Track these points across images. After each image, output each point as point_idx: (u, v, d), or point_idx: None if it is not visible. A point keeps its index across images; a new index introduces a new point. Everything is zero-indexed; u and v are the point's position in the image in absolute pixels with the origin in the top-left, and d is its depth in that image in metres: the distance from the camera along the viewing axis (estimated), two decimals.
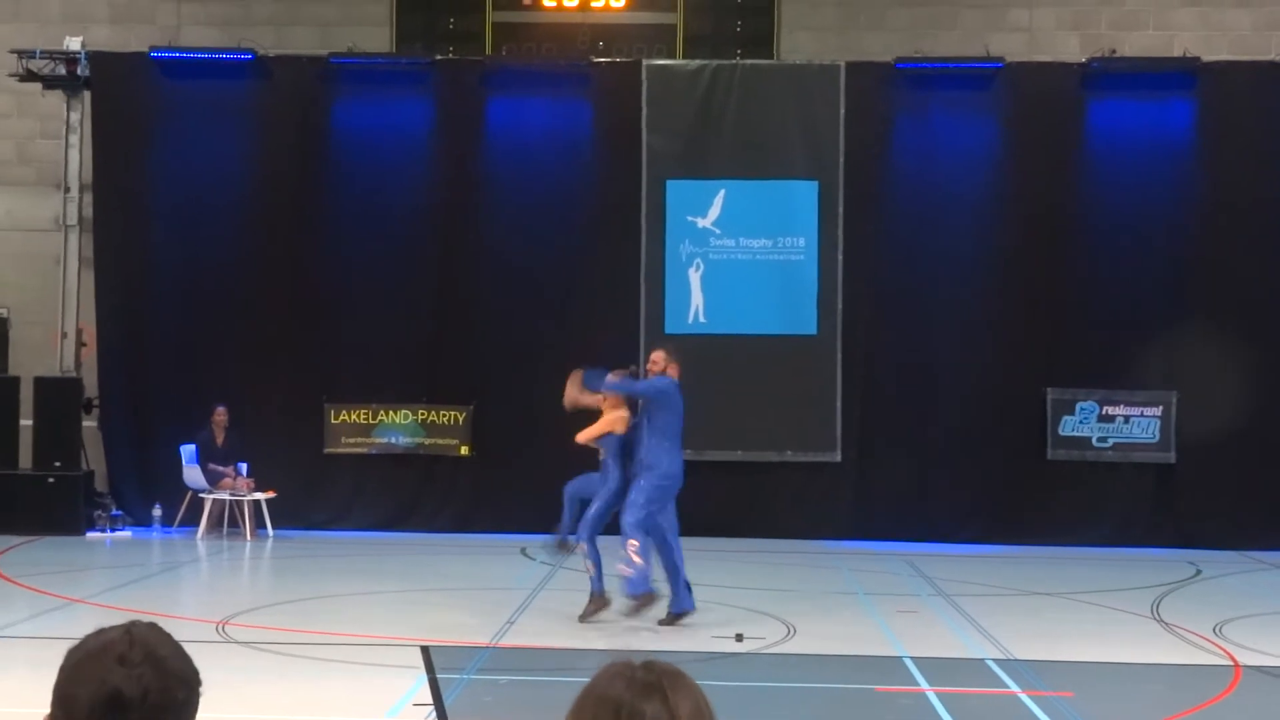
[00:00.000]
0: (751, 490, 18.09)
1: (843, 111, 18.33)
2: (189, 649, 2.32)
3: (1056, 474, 18.16)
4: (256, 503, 17.68)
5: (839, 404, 18.26)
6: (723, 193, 18.48)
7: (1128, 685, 10.32)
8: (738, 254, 18.47)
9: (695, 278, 18.48)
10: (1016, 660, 10.73)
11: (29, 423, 18.04)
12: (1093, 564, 16.53)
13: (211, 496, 17.72)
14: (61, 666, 2.24)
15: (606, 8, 19.81)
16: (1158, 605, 13.58)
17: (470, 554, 16.60)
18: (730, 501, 17.71)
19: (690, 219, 18.49)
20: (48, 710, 2.23)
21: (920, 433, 18.18)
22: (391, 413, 18.50)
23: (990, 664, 10.64)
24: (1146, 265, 18.10)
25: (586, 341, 18.02)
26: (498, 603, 13.00)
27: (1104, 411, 18.13)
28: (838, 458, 18.28)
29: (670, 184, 18.50)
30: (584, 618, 12.09)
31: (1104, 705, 9.34)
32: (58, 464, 17.78)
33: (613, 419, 12.33)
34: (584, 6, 19.75)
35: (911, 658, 10.76)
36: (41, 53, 18.69)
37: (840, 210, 18.33)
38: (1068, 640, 11.78)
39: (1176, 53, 18.70)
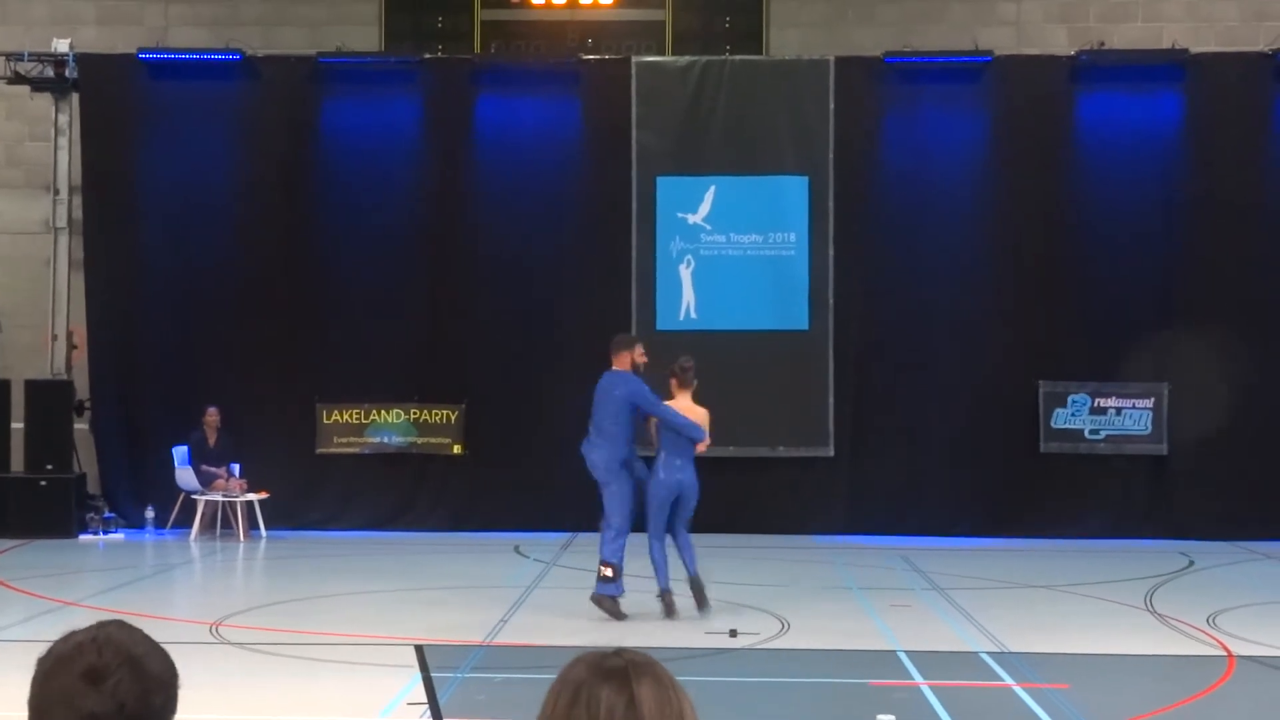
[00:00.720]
0: (744, 486, 18.09)
1: (832, 106, 18.34)
2: (183, 651, 2.31)
3: (1049, 467, 18.18)
4: (249, 503, 17.66)
5: (831, 399, 18.28)
6: (713, 189, 18.48)
7: (1122, 676, 10.33)
8: (728, 250, 18.47)
9: (686, 274, 18.48)
10: (1011, 653, 10.74)
11: (20, 425, 18.02)
12: (1086, 556, 16.55)
13: (204, 498, 17.70)
14: (34, 677, 2.20)
15: (595, 5, 19.79)
16: (1151, 596, 13.60)
17: (463, 552, 16.59)
18: (723, 497, 17.65)
19: (681, 215, 18.49)
20: None
21: (912, 426, 18.20)
22: (384, 412, 18.49)
23: (984, 657, 10.65)
24: (1136, 257, 18.12)
25: (578, 337, 18.03)
26: (491, 601, 12.99)
27: (1096, 404, 18.15)
28: (830, 452, 18.30)
29: (660, 180, 18.50)
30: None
31: (1098, 697, 9.35)
32: (49, 467, 17.76)
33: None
34: (572, 4, 19.73)
35: (906, 651, 10.77)
36: (29, 55, 18.66)
37: (831, 205, 18.34)
38: (1062, 632, 11.79)
39: (1165, 44, 18.72)
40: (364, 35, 19.59)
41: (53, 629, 2.28)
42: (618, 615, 12.11)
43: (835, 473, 18.35)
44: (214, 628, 11.66)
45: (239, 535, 17.54)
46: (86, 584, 14.41)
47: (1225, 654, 10.78)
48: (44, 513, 17.52)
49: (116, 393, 18.64)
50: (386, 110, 18.86)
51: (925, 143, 18.48)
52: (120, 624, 2.28)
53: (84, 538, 17.60)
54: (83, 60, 18.64)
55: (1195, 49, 18.40)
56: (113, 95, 18.79)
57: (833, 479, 18.36)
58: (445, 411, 18.46)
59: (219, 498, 17.76)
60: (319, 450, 18.46)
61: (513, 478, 18.17)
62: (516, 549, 16.71)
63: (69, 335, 18.83)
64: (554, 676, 2.27)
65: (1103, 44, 18.62)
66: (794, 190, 18.43)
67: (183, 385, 18.35)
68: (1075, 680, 9.77)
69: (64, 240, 19.00)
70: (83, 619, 2.30)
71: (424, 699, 9.08)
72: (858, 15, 19.59)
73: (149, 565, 16.21)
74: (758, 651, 10.99)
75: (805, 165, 18.42)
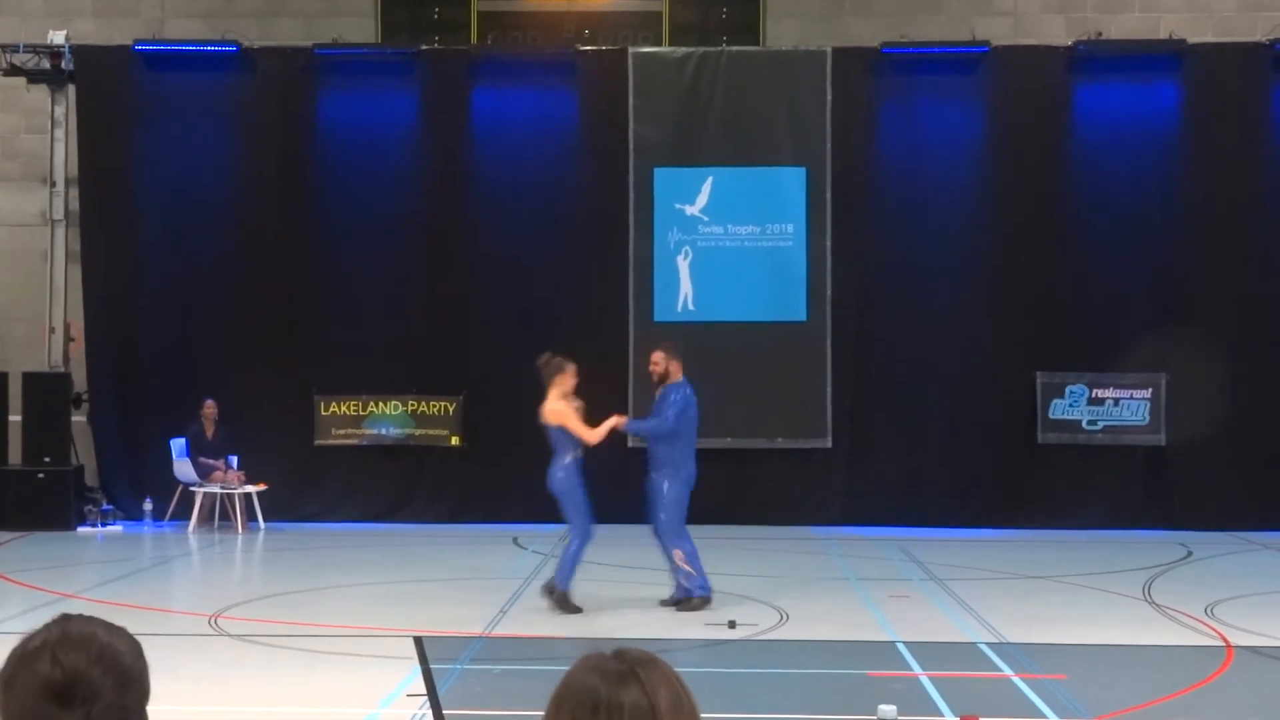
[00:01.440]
0: (742, 477, 18.09)
1: (829, 98, 18.32)
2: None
3: (1047, 457, 18.19)
4: (247, 496, 17.66)
5: (829, 390, 18.27)
6: (710, 180, 18.47)
7: (1120, 667, 10.34)
8: (726, 241, 18.46)
9: (684, 265, 18.47)
10: (1009, 643, 10.75)
11: (18, 418, 18.00)
12: (1084, 547, 16.56)
13: (202, 490, 17.70)
14: None
15: None
16: (1149, 587, 13.61)
17: (462, 544, 16.59)
18: (721, 489, 17.67)
19: (678, 207, 18.48)
20: None
21: (911, 417, 18.19)
22: (381, 404, 18.48)
23: (983, 647, 10.66)
24: (1134, 247, 18.11)
25: (576, 329, 18.03)
26: (490, 593, 13.00)
27: (1093, 394, 18.16)
28: (828, 444, 18.30)
29: (658, 172, 18.49)
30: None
31: (1097, 687, 9.36)
32: (47, 459, 17.75)
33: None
34: None
35: (904, 642, 10.78)
36: (25, 46, 18.63)
37: (828, 196, 18.33)
38: (1060, 623, 11.80)
39: (1162, 35, 18.71)
40: (360, 27, 19.57)
41: (36, 627, 2.22)
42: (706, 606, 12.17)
43: (833, 464, 18.35)
44: (213, 620, 11.66)
45: (237, 527, 17.55)
46: (85, 576, 14.40)
47: (1223, 644, 10.79)
48: (42, 505, 17.51)
49: (114, 385, 18.63)
50: (383, 102, 18.83)
51: (923, 134, 18.47)
52: (76, 617, 2.19)
53: (82, 530, 17.60)
54: (79, 52, 18.62)
55: (1193, 39, 18.39)
56: (109, 87, 18.77)
57: (831, 470, 18.36)
58: (443, 403, 18.45)
59: (217, 490, 17.76)
60: (317, 442, 18.46)
61: (511, 469, 18.14)
62: (515, 541, 16.72)
63: (66, 328, 18.81)
64: (552, 668, 2.26)
65: (1100, 34, 18.60)
66: (791, 181, 18.43)
67: (180, 377, 18.34)
68: (1073, 671, 9.79)
69: (61, 233, 18.97)
70: (82, 611, 2.28)
71: (423, 690, 9.09)
72: (854, 6, 19.57)
73: (147, 557, 16.21)
74: (756, 643, 11.00)
75: (803, 156, 18.41)
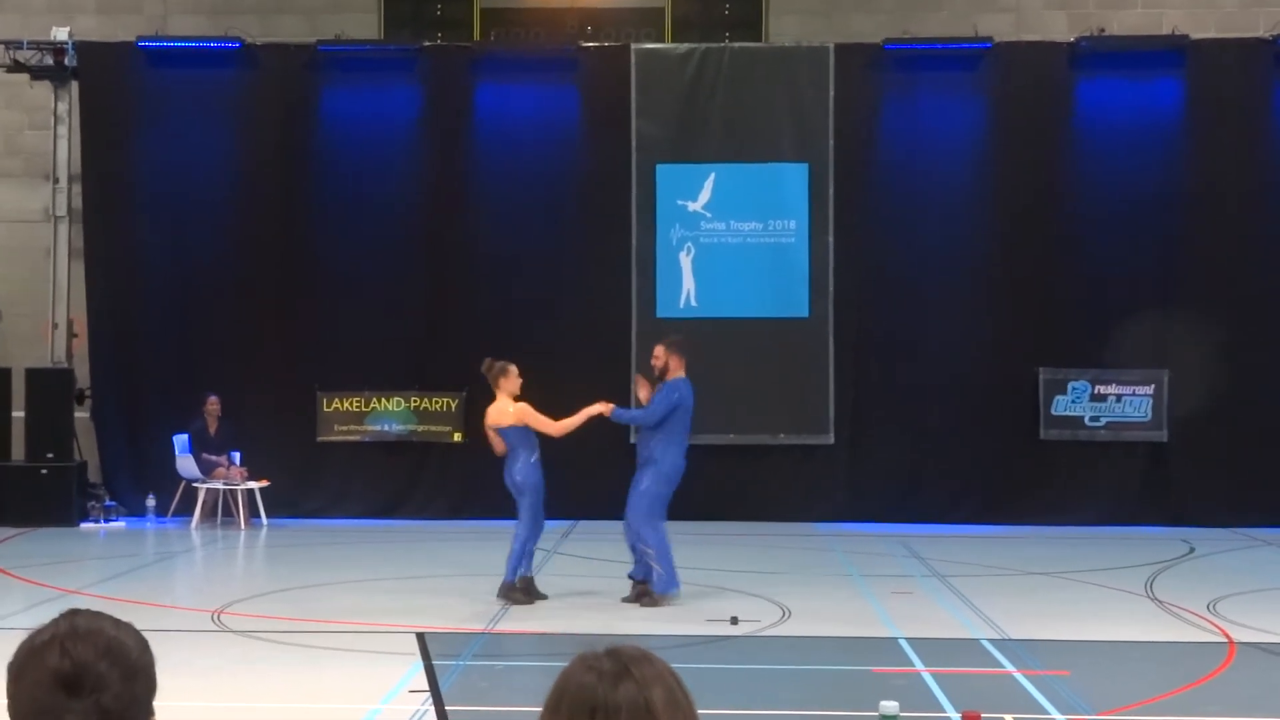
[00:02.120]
0: (744, 473, 18.10)
1: (832, 94, 18.32)
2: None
3: (1049, 454, 18.19)
4: (250, 492, 17.67)
5: (831, 386, 18.28)
6: (713, 176, 18.47)
7: (1123, 663, 10.34)
8: (728, 237, 18.46)
9: (686, 261, 18.48)
10: (1011, 640, 10.75)
11: (21, 414, 18.02)
12: (1086, 543, 16.56)
13: (205, 486, 17.71)
14: (6, 682, 2.14)
15: None
16: (1151, 583, 13.61)
17: (464, 540, 16.60)
18: (723, 485, 17.72)
19: (680, 203, 18.49)
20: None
21: (913, 414, 18.19)
22: (384, 400, 18.49)
23: (985, 644, 10.66)
24: (1136, 243, 18.10)
25: (578, 325, 18.05)
26: (492, 589, 12.99)
27: (1096, 391, 18.16)
28: (831, 440, 18.31)
29: (660, 168, 18.49)
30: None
31: (1099, 683, 9.36)
32: (50, 455, 17.76)
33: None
34: None
35: (906, 638, 10.78)
36: (28, 43, 18.65)
37: (830, 192, 18.33)
38: (1062, 619, 11.80)
39: (1165, 31, 18.70)
40: (363, 23, 19.58)
41: (45, 621, 2.24)
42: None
43: (835, 460, 18.35)
44: (216, 616, 11.67)
45: (240, 523, 17.56)
46: (88, 572, 14.41)
47: (1225, 640, 10.79)
48: (45, 501, 17.53)
49: (117, 381, 18.65)
50: (385, 98, 18.84)
51: (925, 130, 18.46)
52: (84, 612, 2.22)
53: (85, 526, 17.62)
54: (82, 48, 18.63)
55: (1195, 35, 18.38)
56: (112, 84, 18.78)
57: (833, 466, 18.37)
58: (445, 399, 18.46)
59: (220, 486, 17.78)
60: (319, 438, 18.48)
61: None
62: None
63: (69, 324, 18.83)
64: (554, 664, 2.26)
65: (1102, 30, 18.59)
66: (794, 177, 18.43)
67: (183, 373, 18.35)
68: (1076, 667, 9.78)
69: (64, 229, 18.99)
70: (85, 607, 2.29)
71: (426, 686, 9.09)
72: (857, 2, 19.57)
73: (150, 553, 16.22)
74: (759, 639, 11.00)
75: (805, 152, 18.41)
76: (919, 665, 9.85)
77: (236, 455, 18.00)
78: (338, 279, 18.55)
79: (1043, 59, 18.40)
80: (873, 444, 18.28)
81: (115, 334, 18.72)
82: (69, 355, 18.79)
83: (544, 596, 12.42)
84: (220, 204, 18.75)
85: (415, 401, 18.50)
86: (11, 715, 2.14)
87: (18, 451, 18.08)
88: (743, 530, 16.94)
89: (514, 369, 12.63)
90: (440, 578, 14.02)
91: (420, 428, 18.51)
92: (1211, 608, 12.14)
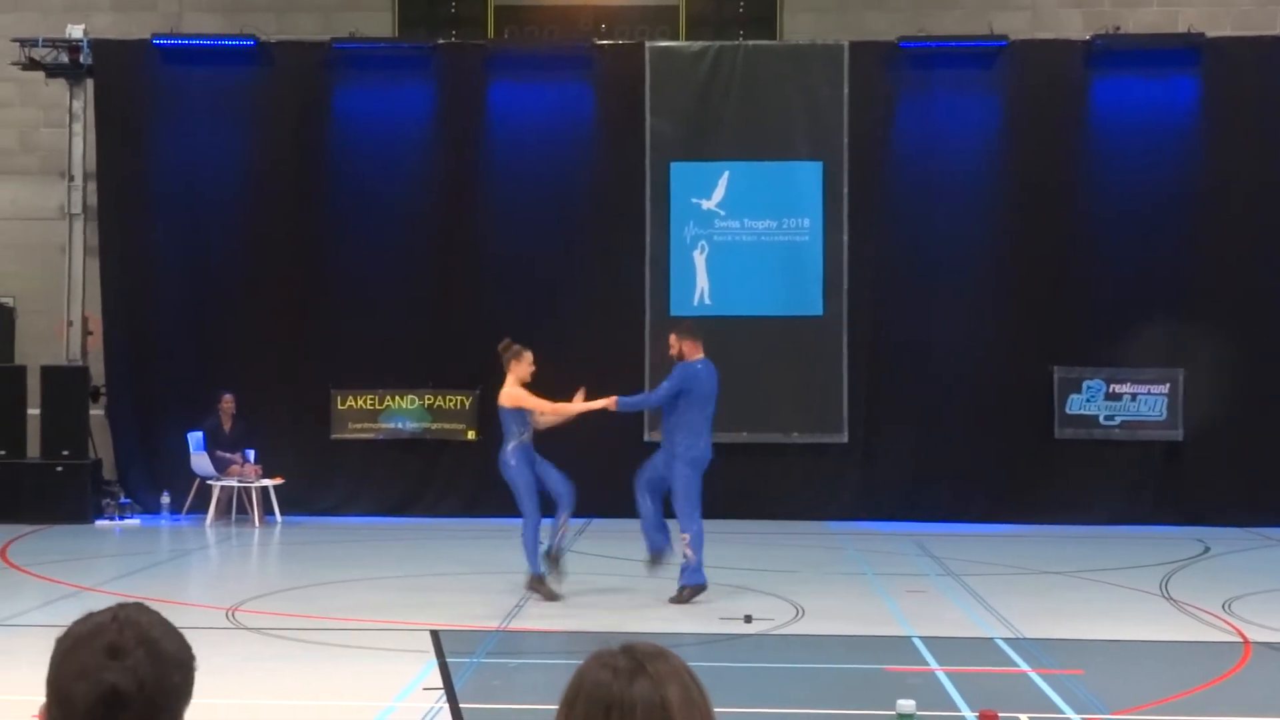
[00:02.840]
0: (758, 472, 18.08)
1: (846, 92, 18.29)
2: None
3: (1064, 452, 18.15)
4: (264, 489, 17.70)
5: (845, 385, 18.25)
6: (727, 174, 18.46)
7: (1137, 662, 10.32)
8: (742, 236, 18.45)
9: (700, 260, 18.46)
10: (1026, 639, 10.73)
11: (36, 411, 18.07)
12: (1101, 542, 16.52)
13: (219, 483, 17.75)
14: (52, 657, 2.22)
15: None
16: (1166, 582, 13.57)
17: (478, 538, 16.60)
18: (737, 483, 17.69)
19: (694, 201, 18.48)
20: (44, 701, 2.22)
21: (927, 412, 18.17)
22: (398, 398, 18.51)
23: (999, 643, 10.64)
24: (1152, 242, 18.06)
25: (592, 324, 18.04)
26: (506, 586, 13.01)
27: (1111, 389, 18.11)
28: (844, 438, 18.29)
29: (674, 166, 18.48)
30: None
31: (1114, 682, 9.34)
32: (65, 453, 17.81)
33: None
34: None
35: (920, 637, 10.77)
36: (44, 41, 18.70)
37: (845, 191, 18.31)
38: (1077, 618, 11.77)
39: (1181, 29, 18.65)
40: (377, 21, 19.60)
41: (70, 614, 2.29)
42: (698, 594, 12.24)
43: (849, 459, 18.33)
44: (230, 613, 11.69)
45: (254, 521, 17.59)
46: (103, 569, 14.45)
47: (1241, 640, 10.76)
48: (60, 498, 17.58)
49: (132, 379, 18.69)
50: (400, 96, 18.86)
51: (940, 128, 18.43)
52: (139, 606, 2.29)
53: (100, 523, 17.66)
54: (97, 46, 18.67)
55: (1211, 33, 18.32)
56: (127, 81, 18.81)
57: (847, 465, 18.35)
58: (459, 397, 18.47)
59: (234, 483, 17.81)
60: (333, 436, 18.50)
61: None
62: None
63: (84, 321, 18.88)
64: (569, 662, 2.25)
65: (1118, 28, 18.55)
66: (808, 175, 18.40)
67: (197, 371, 18.39)
68: (1090, 666, 9.76)
69: (79, 226, 19.05)
70: (100, 604, 2.31)
71: (440, 684, 9.09)
72: (871, 0, 19.54)
73: (165, 551, 16.26)
74: (773, 637, 10.99)
75: (819, 150, 18.38)
76: (933, 664, 9.84)
77: (251, 453, 18.03)
78: (352, 277, 18.56)
79: (1058, 57, 18.36)
80: (887, 442, 18.25)
81: (130, 332, 18.76)
82: (84, 353, 18.84)
83: (556, 598, 12.35)
84: (235, 201, 18.78)
85: (429, 399, 18.52)
86: (50, 686, 2.21)
87: (33, 449, 18.12)
88: (756, 529, 16.93)
89: (528, 355, 12.68)
90: (454, 575, 14.03)
91: (434, 425, 18.52)
92: (1227, 607, 12.11)
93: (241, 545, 16.75)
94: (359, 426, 18.54)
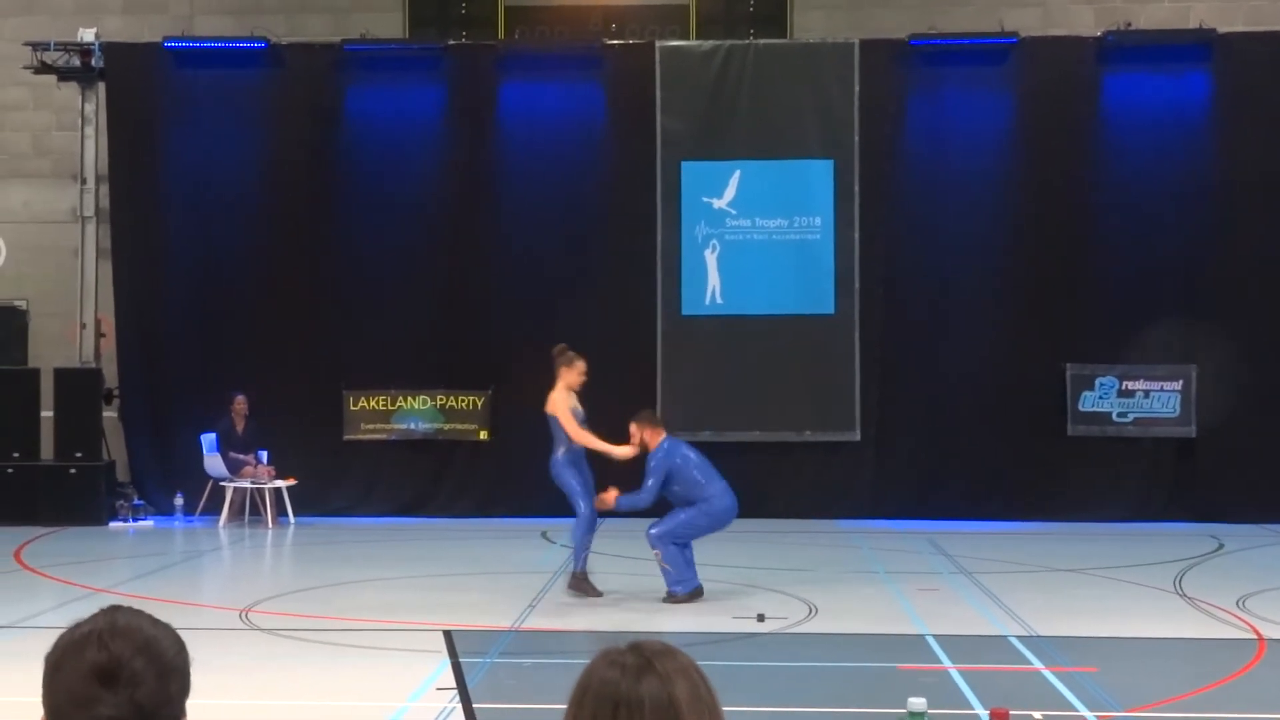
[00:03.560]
0: (770, 470, 18.07)
1: (857, 90, 18.28)
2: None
3: (1077, 450, 18.12)
4: (277, 490, 17.73)
5: (857, 383, 18.24)
6: (738, 173, 18.45)
7: (1151, 660, 10.30)
8: (754, 234, 18.44)
9: (711, 259, 18.46)
10: (1039, 636, 10.72)
11: (50, 414, 18.11)
12: (1114, 539, 16.50)
13: (232, 485, 17.78)
14: (43, 676, 2.18)
15: None
16: (1180, 579, 13.55)
17: (490, 538, 16.63)
18: (750, 482, 17.59)
19: (706, 200, 18.47)
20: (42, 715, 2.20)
21: (939, 410, 18.15)
22: (410, 398, 18.53)
23: (1013, 640, 10.63)
24: (1163, 238, 18.03)
25: (603, 324, 18.04)
26: (519, 586, 13.03)
27: (1123, 386, 18.08)
28: (856, 437, 18.27)
29: (685, 165, 18.48)
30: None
31: (1128, 680, 9.33)
32: (79, 455, 17.85)
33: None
34: None
35: (934, 635, 10.76)
36: (56, 44, 18.75)
37: (856, 189, 18.29)
38: (1090, 616, 11.76)
39: (1192, 24, 18.61)
40: (388, 22, 19.61)
41: (82, 617, 2.27)
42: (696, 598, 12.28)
43: (862, 457, 18.32)
44: (243, 614, 11.71)
45: (267, 522, 17.62)
46: (117, 571, 14.48)
47: (1255, 637, 10.74)
48: (74, 500, 17.63)
49: (145, 381, 18.73)
50: (411, 97, 18.88)
51: (951, 125, 18.40)
52: (125, 609, 2.26)
53: (114, 525, 17.70)
54: (109, 49, 18.72)
55: (1223, 29, 18.28)
56: (139, 84, 18.86)
57: (859, 463, 18.33)
58: (471, 398, 18.49)
59: (247, 485, 17.84)
60: (346, 437, 18.53)
61: (539, 464, 17.94)
62: (543, 535, 16.74)
63: (97, 324, 18.93)
64: (582, 661, 2.26)
65: (1129, 24, 18.51)
66: (819, 174, 18.39)
67: (210, 373, 18.42)
68: (1104, 664, 9.75)
69: (91, 229, 19.10)
70: (101, 608, 2.30)
71: (453, 684, 9.10)
72: None
73: (178, 552, 16.29)
74: (786, 636, 10.99)
75: (830, 149, 18.37)
76: (946, 662, 9.83)
77: (264, 454, 18.06)
78: (363, 278, 18.59)
79: (1069, 54, 18.33)
80: (899, 440, 18.24)
81: (143, 334, 18.80)
82: (97, 355, 18.89)
83: (597, 594, 12.36)
84: (246, 203, 18.81)
85: (441, 400, 18.54)
86: (46, 706, 2.17)
87: (47, 451, 18.17)
88: (768, 527, 16.92)
89: (580, 364, 12.67)
90: (467, 575, 14.04)
91: (446, 426, 18.54)
92: (1241, 604, 12.08)
93: (254, 546, 16.78)
94: (371, 427, 18.57)
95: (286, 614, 11.83)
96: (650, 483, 12.33)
